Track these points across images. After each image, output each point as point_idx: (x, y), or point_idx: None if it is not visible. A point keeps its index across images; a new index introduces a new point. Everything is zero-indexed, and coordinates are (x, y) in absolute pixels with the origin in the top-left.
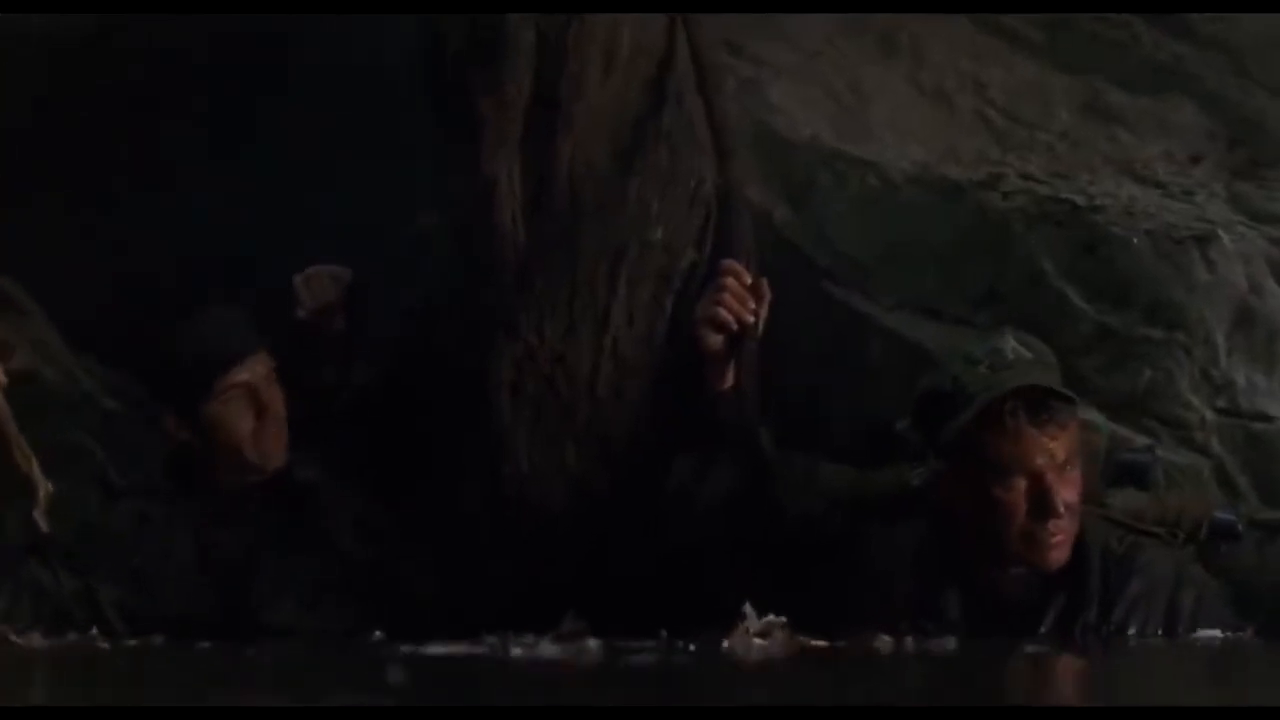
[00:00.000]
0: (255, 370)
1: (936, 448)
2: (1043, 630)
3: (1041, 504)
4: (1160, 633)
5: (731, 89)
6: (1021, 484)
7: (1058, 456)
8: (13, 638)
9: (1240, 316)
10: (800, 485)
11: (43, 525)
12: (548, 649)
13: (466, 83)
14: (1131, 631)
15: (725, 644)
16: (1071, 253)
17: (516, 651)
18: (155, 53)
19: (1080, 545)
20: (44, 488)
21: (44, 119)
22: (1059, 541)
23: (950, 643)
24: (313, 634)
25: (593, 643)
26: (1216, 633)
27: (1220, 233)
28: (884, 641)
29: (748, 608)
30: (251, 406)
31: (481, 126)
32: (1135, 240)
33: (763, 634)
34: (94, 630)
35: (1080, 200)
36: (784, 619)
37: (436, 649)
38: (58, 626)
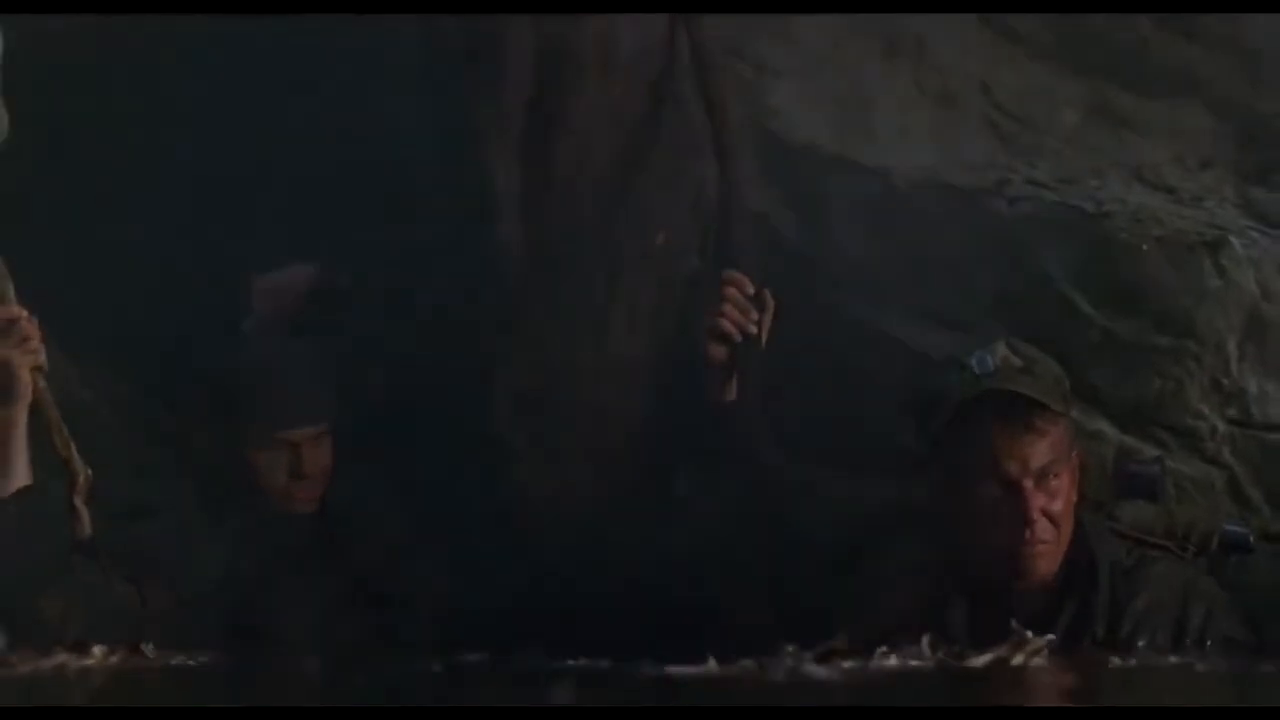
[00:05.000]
0: (306, 431)
1: (931, 456)
2: (1050, 643)
3: (1016, 511)
4: (1169, 646)
5: (733, 92)
6: (995, 490)
7: (1032, 463)
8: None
9: (1252, 324)
10: (805, 498)
11: (83, 513)
12: (813, 669)
13: (465, 87)
14: (1140, 645)
15: (1014, 662)
16: (1079, 259)
17: (778, 673)
18: (153, 56)
19: (1089, 558)
20: (83, 474)
21: (43, 123)
22: (1041, 550)
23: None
24: (332, 650)
25: (849, 664)
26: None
27: (1231, 238)
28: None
29: (1014, 624)
30: (288, 464)
31: (480, 131)
32: (1144, 246)
33: (1037, 652)
34: (144, 642)
35: (1088, 206)
36: (1051, 636)
37: (680, 669)
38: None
